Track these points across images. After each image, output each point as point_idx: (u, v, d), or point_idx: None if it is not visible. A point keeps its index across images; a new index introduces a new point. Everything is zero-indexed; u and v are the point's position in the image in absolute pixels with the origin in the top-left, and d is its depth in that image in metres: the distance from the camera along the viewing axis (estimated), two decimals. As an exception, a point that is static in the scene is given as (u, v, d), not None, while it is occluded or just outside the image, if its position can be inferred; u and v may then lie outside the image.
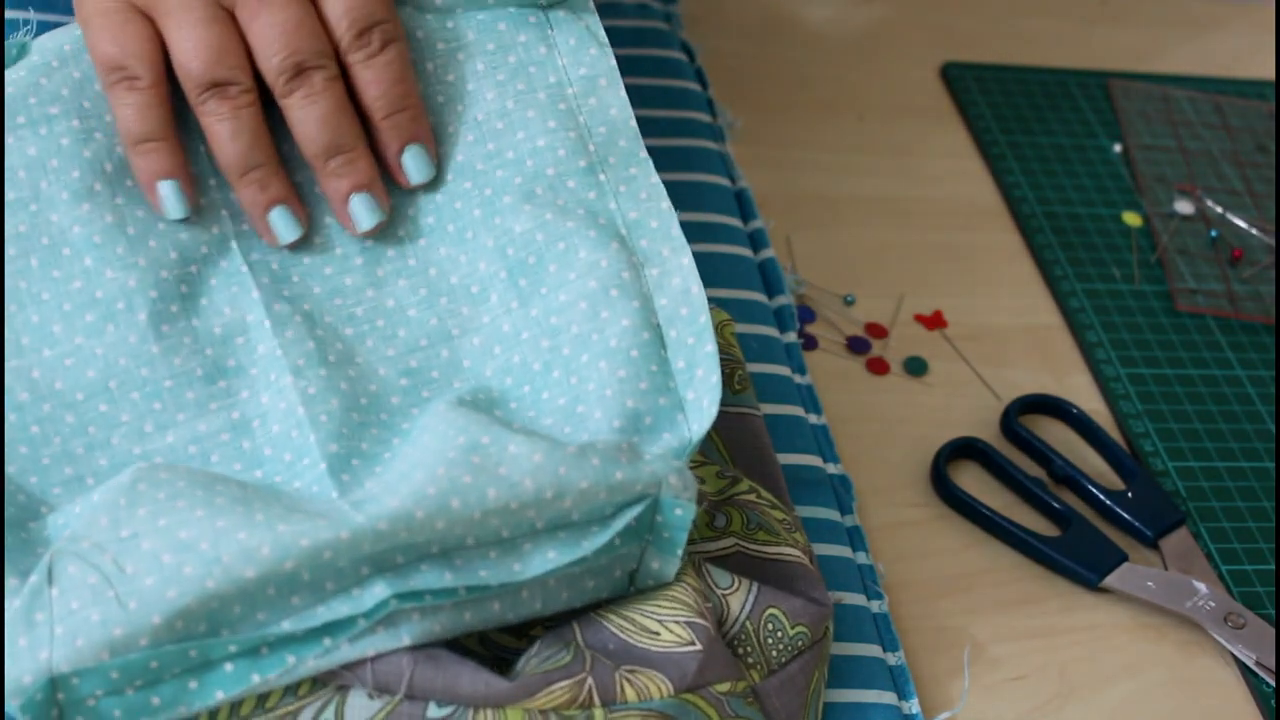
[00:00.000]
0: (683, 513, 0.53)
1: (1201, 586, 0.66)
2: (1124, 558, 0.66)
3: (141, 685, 0.48)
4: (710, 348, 0.56)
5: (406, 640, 0.50)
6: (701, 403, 0.55)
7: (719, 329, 0.68)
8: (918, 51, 0.94)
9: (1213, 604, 0.66)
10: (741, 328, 0.70)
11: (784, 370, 0.70)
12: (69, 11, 0.77)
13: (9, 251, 0.56)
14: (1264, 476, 0.73)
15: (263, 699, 0.49)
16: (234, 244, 0.58)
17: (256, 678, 0.49)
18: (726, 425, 0.65)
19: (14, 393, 0.54)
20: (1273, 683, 0.64)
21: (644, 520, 0.53)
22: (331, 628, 0.49)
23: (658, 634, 0.53)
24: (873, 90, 0.91)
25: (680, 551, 0.54)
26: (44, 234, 0.56)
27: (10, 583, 0.49)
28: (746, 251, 0.75)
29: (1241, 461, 0.73)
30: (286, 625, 0.49)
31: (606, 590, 0.54)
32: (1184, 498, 0.71)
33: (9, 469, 0.53)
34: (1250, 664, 0.64)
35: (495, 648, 0.56)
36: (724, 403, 0.65)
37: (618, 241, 0.57)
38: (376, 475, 0.53)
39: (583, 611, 0.54)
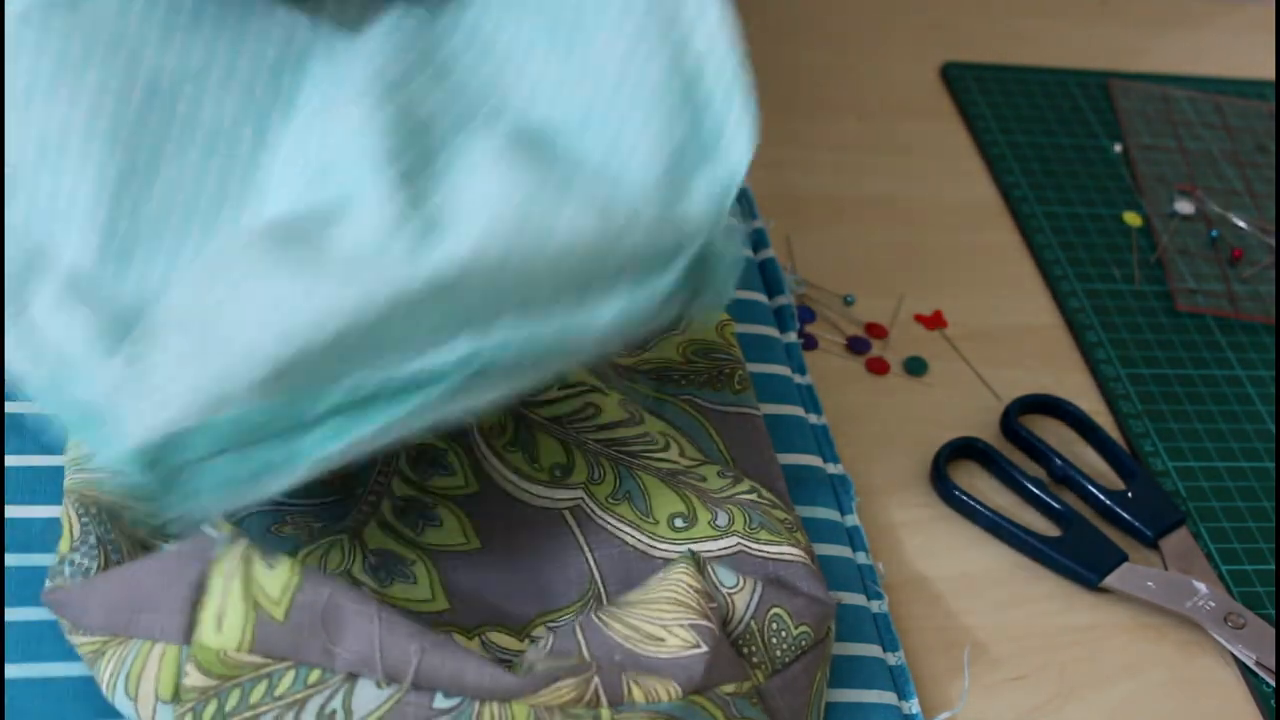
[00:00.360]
0: (731, 262, 0.55)
1: (1201, 586, 0.66)
2: (1124, 558, 0.66)
3: (247, 444, 0.50)
4: (744, 86, 0.57)
5: (490, 396, 0.52)
6: (739, 136, 0.57)
7: (719, 329, 0.68)
8: (918, 51, 0.94)
9: (1213, 604, 0.66)
10: (741, 328, 0.70)
11: (784, 370, 0.70)
12: (69, 11, 0.77)
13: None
14: (1264, 476, 0.73)
15: (272, 686, 0.50)
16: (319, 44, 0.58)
17: (352, 434, 0.50)
18: (726, 425, 0.65)
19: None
20: (1273, 683, 0.64)
21: (697, 264, 0.55)
22: (421, 383, 0.50)
23: (663, 640, 0.53)
24: (873, 90, 0.91)
25: (729, 293, 0.56)
26: (140, 72, 0.56)
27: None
28: (746, 252, 0.75)
29: (1241, 461, 0.73)
30: (375, 377, 0.50)
31: (656, 329, 0.55)
32: (1184, 498, 0.71)
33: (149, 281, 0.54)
34: (1250, 664, 0.64)
35: (496, 650, 0.56)
36: (724, 403, 0.65)
37: None
38: (442, 201, 0.53)
39: (586, 617, 0.54)
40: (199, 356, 0.49)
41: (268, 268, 0.50)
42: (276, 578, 0.50)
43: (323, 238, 0.52)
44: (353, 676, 0.50)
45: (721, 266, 0.55)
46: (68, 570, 0.53)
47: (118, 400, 0.49)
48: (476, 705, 0.50)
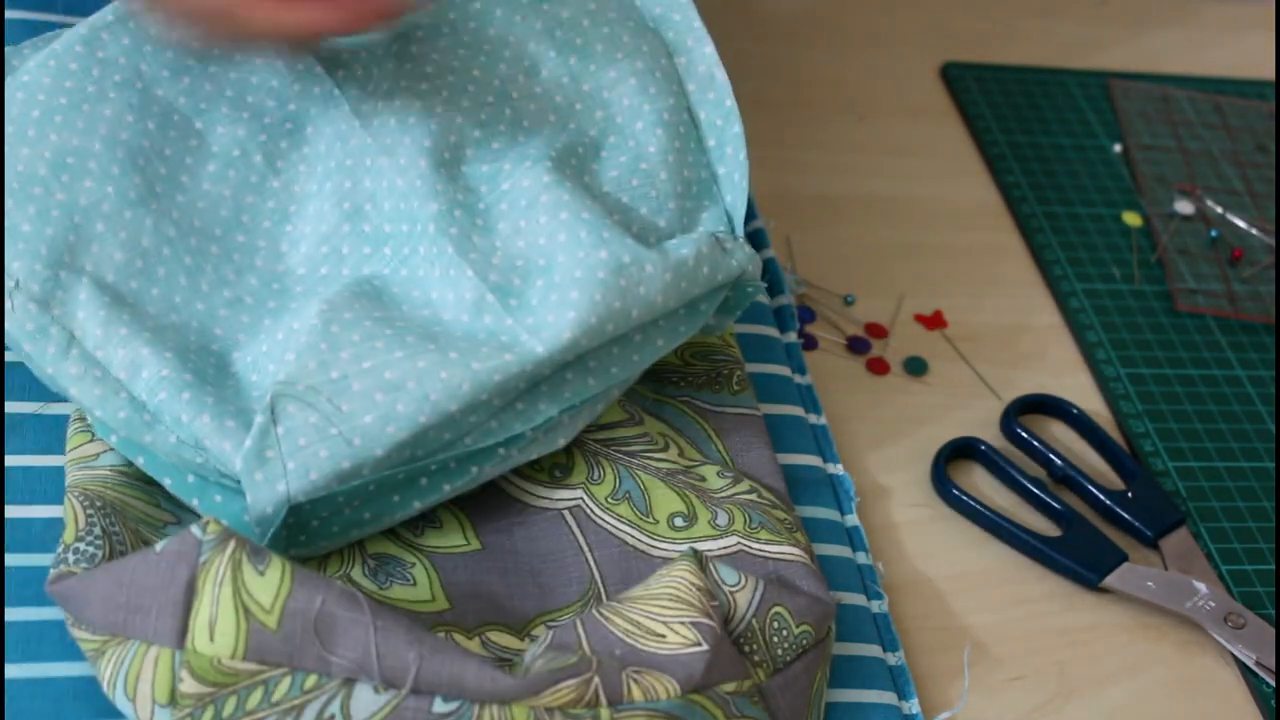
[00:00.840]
0: (753, 291, 0.63)
1: (1201, 586, 0.66)
2: (1124, 558, 0.66)
3: (357, 504, 0.56)
4: (738, 128, 0.64)
5: (561, 443, 0.59)
6: (733, 177, 0.64)
7: None
8: (918, 51, 0.94)
9: (1213, 604, 0.66)
10: (741, 328, 0.70)
11: (784, 370, 0.70)
12: (69, 11, 0.78)
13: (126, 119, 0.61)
14: (1264, 476, 0.73)
15: (269, 692, 0.50)
16: (318, 69, 0.62)
17: (447, 488, 0.57)
18: (725, 426, 0.65)
19: (163, 231, 0.59)
20: (1273, 683, 0.64)
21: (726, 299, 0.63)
22: (506, 441, 0.57)
23: (664, 636, 0.53)
24: (873, 90, 0.91)
25: (736, 316, 0.64)
26: (154, 105, 0.61)
27: (227, 424, 0.55)
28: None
29: (1241, 461, 0.73)
30: (469, 441, 0.56)
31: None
32: (1184, 498, 0.71)
33: (174, 298, 0.59)
34: (1250, 664, 0.64)
35: (496, 649, 0.56)
36: (722, 404, 0.65)
37: (653, 33, 0.65)
38: (510, 260, 0.59)
39: (587, 613, 0.54)
40: (333, 429, 0.54)
41: (389, 346, 0.56)
42: (267, 584, 0.50)
43: (428, 318, 0.58)
44: (350, 681, 0.50)
45: (743, 297, 0.63)
46: (72, 558, 0.53)
47: (251, 468, 0.54)
48: (476, 708, 0.50)
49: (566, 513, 0.60)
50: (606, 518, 0.60)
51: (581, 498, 0.61)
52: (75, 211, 0.58)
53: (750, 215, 0.77)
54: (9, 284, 0.57)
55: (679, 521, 0.60)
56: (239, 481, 0.54)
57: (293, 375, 0.55)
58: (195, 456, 0.55)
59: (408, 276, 0.60)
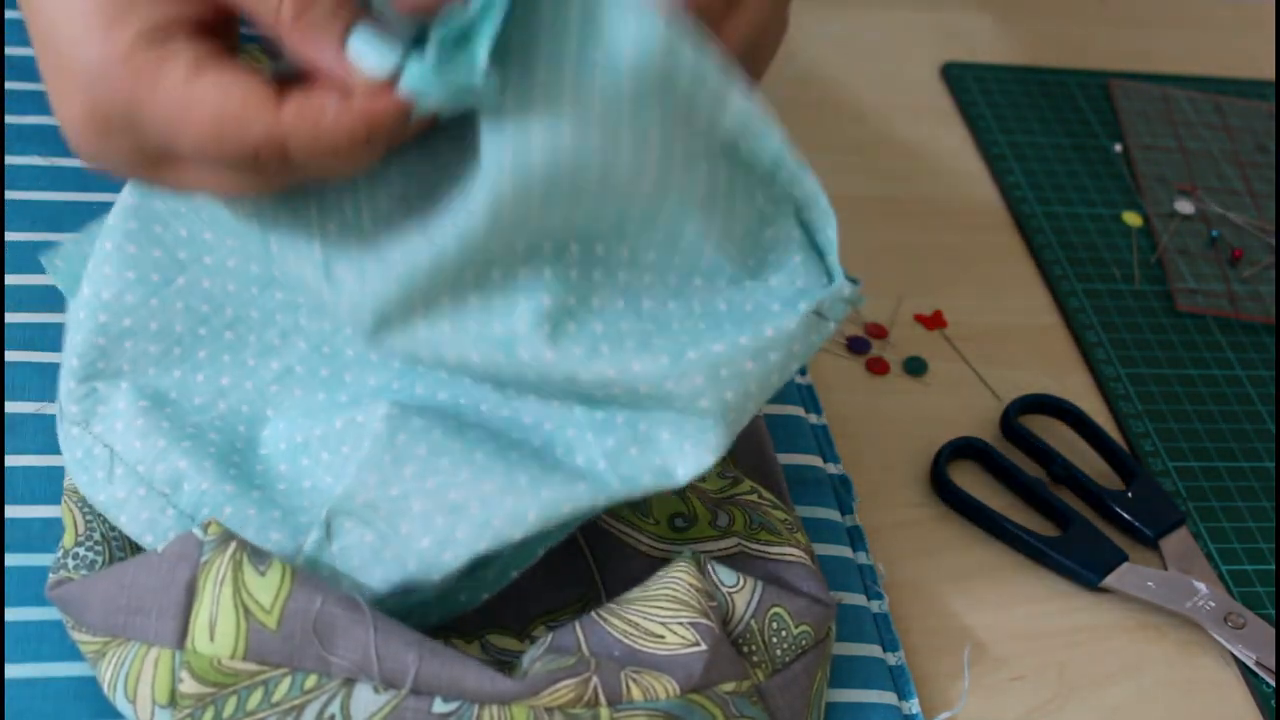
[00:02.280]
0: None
1: (1201, 586, 0.66)
2: (1124, 558, 0.66)
3: (423, 609, 0.54)
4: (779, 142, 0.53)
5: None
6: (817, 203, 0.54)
7: None
8: (918, 51, 0.94)
9: (1213, 604, 0.66)
10: (742, 328, 0.70)
11: (784, 370, 0.70)
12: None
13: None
14: (1264, 476, 0.73)
15: (269, 693, 0.50)
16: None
17: (515, 573, 0.55)
18: (727, 425, 0.64)
19: (195, 309, 0.56)
20: (1273, 683, 0.64)
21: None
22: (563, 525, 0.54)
23: (662, 637, 0.53)
24: (873, 90, 0.91)
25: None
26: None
27: (272, 536, 0.53)
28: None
29: (1241, 461, 0.73)
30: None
31: None
32: (1184, 498, 0.71)
33: (221, 380, 0.56)
34: (1250, 664, 0.64)
35: (495, 651, 0.56)
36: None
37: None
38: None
39: (585, 615, 0.54)
40: (388, 552, 0.52)
41: (455, 465, 0.53)
42: (267, 584, 0.50)
43: (506, 420, 0.55)
44: (350, 681, 0.50)
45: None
46: (71, 564, 0.53)
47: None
48: (476, 708, 0.50)
49: (566, 513, 0.60)
50: (607, 518, 0.60)
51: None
52: (99, 309, 0.56)
53: (750, 215, 0.77)
54: (58, 409, 0.56)
55: (679, 522, 0.60)
56: None
57: (352, 490, 0.53)
58: None
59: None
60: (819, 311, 0.52)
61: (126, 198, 0.57)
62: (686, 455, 0.52)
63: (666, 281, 0.53)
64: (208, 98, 0.46)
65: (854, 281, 0.53)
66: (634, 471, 0.53)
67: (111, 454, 0.55)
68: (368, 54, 0.46)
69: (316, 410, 0.57)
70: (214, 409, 0.57)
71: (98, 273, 0.56)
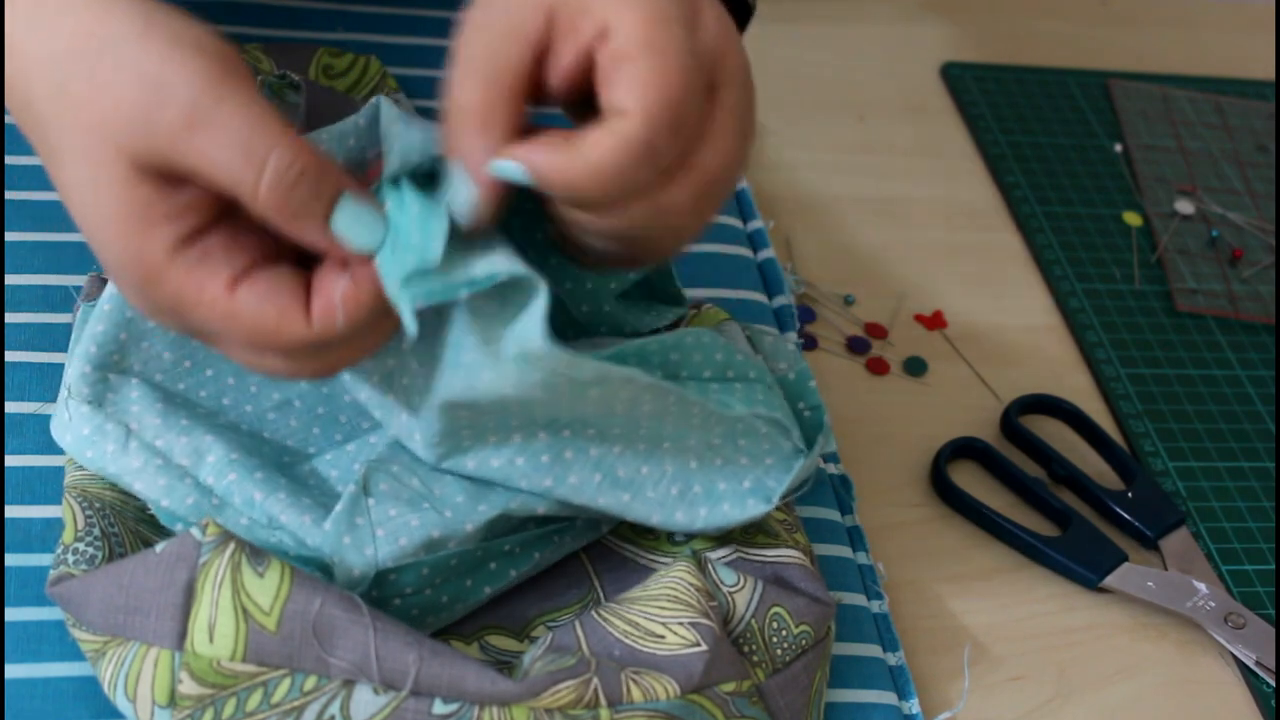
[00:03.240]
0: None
1: (1201, 586, 0.66)
2: (1124, 558, 0.66)
3: (438, 583, 0.55)
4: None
5: (605, 530, 0.59)
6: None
7: (718, 327, 0.68)
8: (918, 51, 0.94)
9: (1213, 604, 0.66)
10: (742, 328, 0.70)
11: (784, 370, 0.70)
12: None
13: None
14: (1264, 476, 0.73)
15: (268, 694, 0.50)
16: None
17: (514, 573, 0.57)
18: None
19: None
20: (1273, 683, 0.64)
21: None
22: (560, 529, 0.57)
23: (663, 637, 0.53)
24: (873, 90, 0.91)
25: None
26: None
27: (304, 500, 0.54)
28: (746, 251, 0.75)
29: (1241, 461, 0.73)
30: (534, 527, 0.57)
31: None
32: (1184, 498, 0.71)
33: (223, 400, 0.58)
34: (1250, 664, 0.64)
35: (495, 652, 0.56)
36: (724, 403, 0.65)
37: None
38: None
39: (586, 615, 0.54)
40: (425, 503, 0.54)
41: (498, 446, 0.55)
42: (266, 586, 0.50)
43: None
44: (350, 682, 0.50)
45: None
46: (71, 559, 0.53)
47: (340, 532, 0.53)
48: (476, 709, 0.50)
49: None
50: (607, 534, 0.60)
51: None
52: (127, 304, 0.56)
53: (750, 215, 0.77)
54: (63, 393, 0.57)
55: (678, 536, 0.60)
56: (317, 556, 0.54)
57: (386, 456, 0.55)
58: (269, 536, 0.54)
59: None
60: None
61: None
62: None
63: (635, 448, 0.56)
64: (246, 311, 0.49)
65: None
66: None
67: (127, 430, 0.56)
68: (354, 231, 0.48)
69: (311, 446, 0.58)
70: (215, 420, 0.57)
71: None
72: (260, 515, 0.54)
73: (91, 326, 0.57)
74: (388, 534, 0.53)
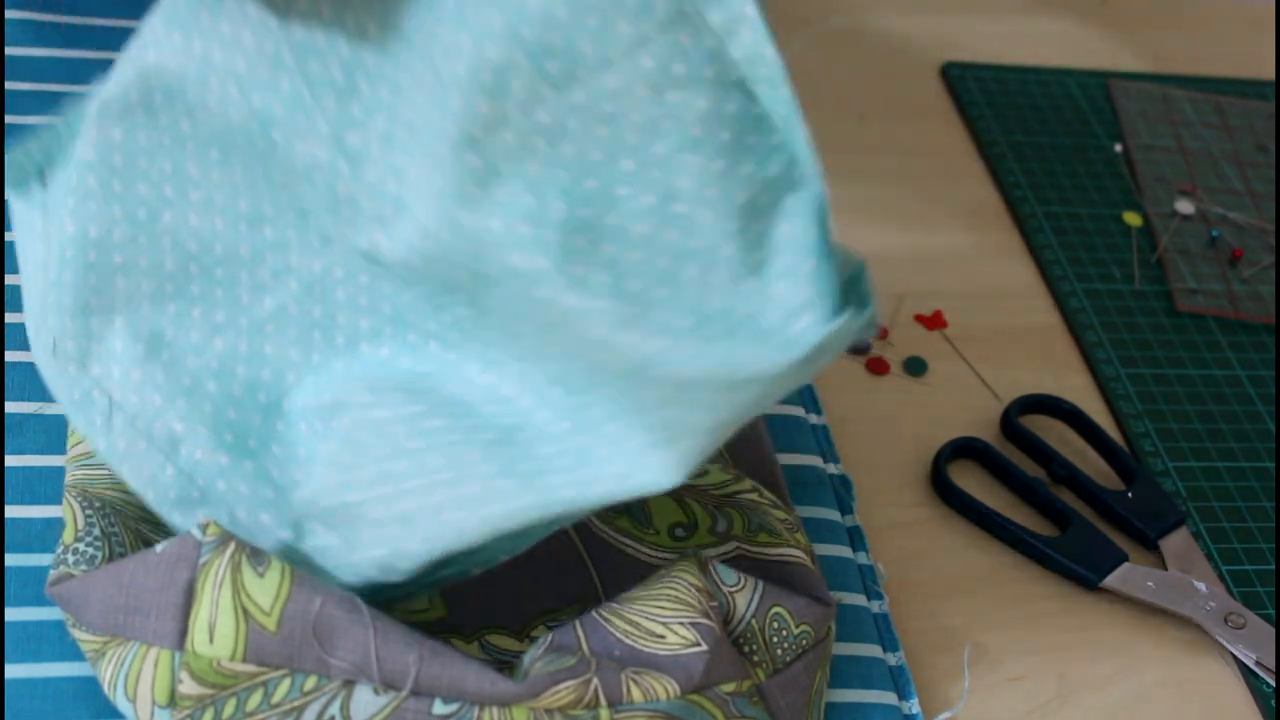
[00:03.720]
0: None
1: (1201, 586, 0.66)
2: (1124, 558, 0.66)
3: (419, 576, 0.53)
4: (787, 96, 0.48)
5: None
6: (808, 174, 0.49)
7: None
8: (918, 51, 0.94)
9: (1213, 604, 0.66)
10: (742, 328, 0.70)
11: (784, 370, 0.70)
12: (71, 11, 0.78)
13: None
14: (1264, 476, 0.73)
15: (268, 694, 0.50)
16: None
17: (503, 557, 0.53)
18: (727, 425, 0.65)
19: (184, 248, 0.55)
20: (1273, 683, 0.64)
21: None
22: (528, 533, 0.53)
23: (663, 637, 0.53)
24: (873, 90, 0.91)
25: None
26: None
27: (263, 518, 0.54)
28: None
29: (1241, 461, 0.73)
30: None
31: None
32: (1184, 498, 0.71)
33: (216, 316, 0.55)
34: (1250, 664, 0.64)
35: (495, 651, 0.56)
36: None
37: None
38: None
39: (586, 615, 0.54)
40: (352, 556, 0.53)
41: (409, 471, 0.52)
42: (266, 586, 0.50)
43: (470, 404, 0.53)
44: (350, 682, 0.50)
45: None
46: (71, 559, 0.53)
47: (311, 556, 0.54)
48: (476, 710, 0.50)
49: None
50: (607, 529, 0.60)
51: (582, 510, 0.61)
52: (88, 247, 0.55)
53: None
54: (44, 351, 0.55)
55: (679, 532, 0.60)
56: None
57: (316, 493, 0.54)
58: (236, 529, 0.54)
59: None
60: (820, 346, 0.46)
61: (110, 132, 0.55)
62: (646, 468, 0.49)
63: (655, 264, 0.48)
64: None
65: (862, 306, 0.47)
66: (587, 479, 0.50)
67: (110, 402, 0.55)
68: None
69: (316, 371, 0.56)
70: (211, 347, 0.56)
71: (83, 209, 0.55)
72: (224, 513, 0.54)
73: (55, 275, 0.55)
74: (324, 580, 0.52)
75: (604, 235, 0.48)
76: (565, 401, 0.51)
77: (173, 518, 0.55)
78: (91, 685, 0.53)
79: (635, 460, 0.49)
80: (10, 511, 0.58)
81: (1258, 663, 0.64)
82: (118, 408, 0.55)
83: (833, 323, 0.46)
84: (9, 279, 0.65)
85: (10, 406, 0.61)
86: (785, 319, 0.47)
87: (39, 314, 0.55)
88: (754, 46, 0.46)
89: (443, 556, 0.52)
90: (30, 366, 0.62)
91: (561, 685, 0.50)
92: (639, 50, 0.46)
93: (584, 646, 0.53)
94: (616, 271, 0.48)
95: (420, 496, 0.52)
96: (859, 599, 0.62)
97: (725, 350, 0.46)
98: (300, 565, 0.53)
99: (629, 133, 0.47)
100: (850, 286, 0.48)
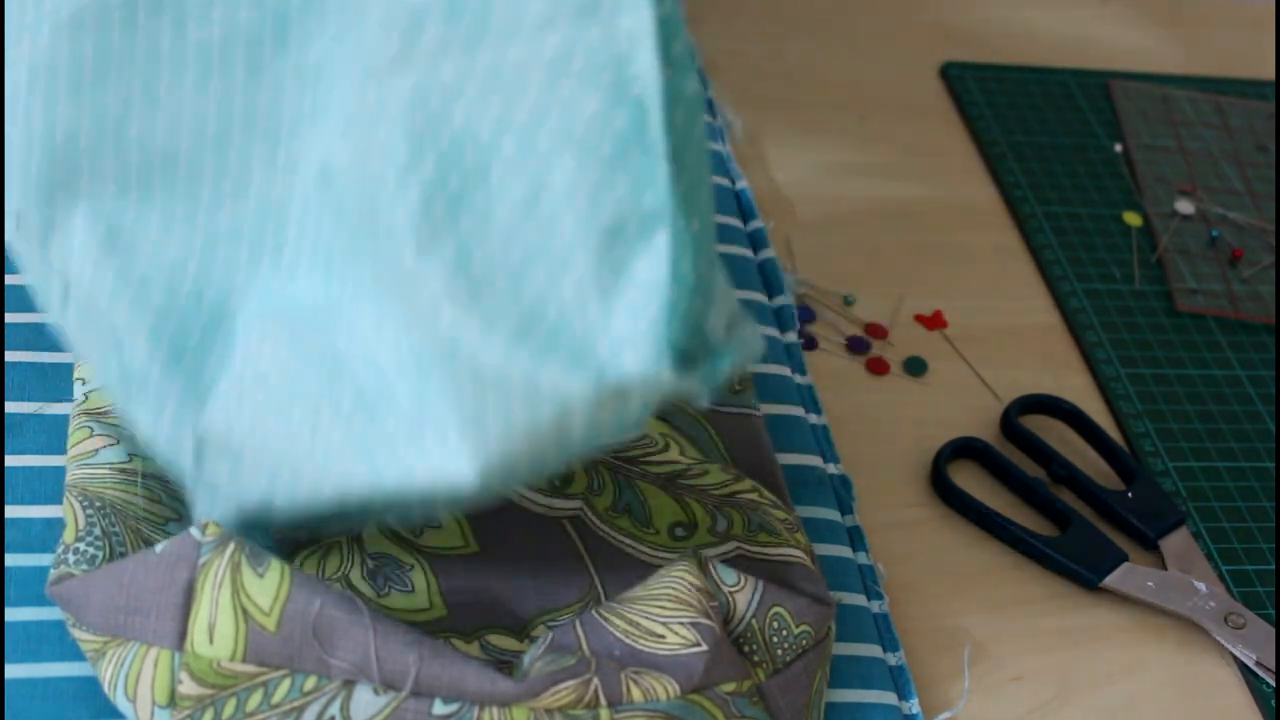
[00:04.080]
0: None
1: (1201, 586, 0.66)
2: (1124, 558, 0.66)
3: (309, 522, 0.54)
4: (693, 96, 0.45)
5: None
6: (697, 198, 0.45)
7: None
8: (918, 51, 0.94)
9: (1213, 604, 0.66)
10: (742, 328, 0.70)
11: (784, 370, 0.70)
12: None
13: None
14: (1264, 476, 0.73)
15: (268, 694, 0.50)
16: None
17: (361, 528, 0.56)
18: (726, 425, 0.65)
19: (149, 147, 0.54)
20: (1273, 683, 0.64)
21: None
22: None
23: (663, 637, 0.53)
24: (873, 90, 0.91)
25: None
26: None
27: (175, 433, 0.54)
28: (746, 251, 0.75)
29: (1241, 461, 0.73)
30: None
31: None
32: (1184, 498, 0.71)
33: (174, 226, 0.55)
34: (1250, 664, 0.64)
35: (495, 651, 0.56)
36: (723, 403, 0.65)
37: None
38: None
39: (586, 614, 0.54)
40: (232, 492, 0.53)
41: (284, 412, 0.51)
42: (266, 586, 0.50)
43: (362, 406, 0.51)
44: (350, 682, 0.50)
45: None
46: (71, 559, 0.53)
47: (192, 494, 0.54)
48: (476, 710, 0.50)
49: (566, 522, 0.60)
50: (607, 529, 0.60)
51: (581, 508, 0.61)
52: (55, 142, 0.54)
53: (750, 215, 0.77)
54: (10, 224, 0.55)
55: (679, 532, 0.60)
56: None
57: (213, 420, 0.53)
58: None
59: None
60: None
61: (82, 45, 0.54)
62: (456, 457, 0.47)
63: (507, 255, 0.46)
64: None
65: (714, 364, 0.45)
66: (411, 463, 0.48)
67: (66, 287, 0.55)
68: None
69: (256, 297, 0.54)
70: (164, 254, 0.55)
71: (50, 112, 0.54)
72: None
73: (21, 157, 0.54)
74: (219, 513, 0.53)
75: (465, 209, 0.47)
76: (415, 374, 0.48)
77: (124, 408, 0.55)
78: (91, 685, 0.53)
79: (450, 450, 0.47)
80: (10, 511, 0.58)
81: (1258, 663, 0.64)
82: (72, 296, 0.55)
83: (651, 370, 0.44)
84: (9, 279, 0.65)
85: (10, 406, 0.61)
86: (613, 352, 0.45)
87: (9, 186, 0.55)
88: (648, 70, 0.45)
89: (320, 511, 0.52)
90: (30, 366, 0.62)
91: (561, 685, 0.50)
92: (546, 29, 0.45)
93: (584, 646, 0.53)
94: (465, 249, 0.46)
95: (283, 450, 0.51)
96: (859, 599, 0.62)
97: (533, 358, 0.45)
98: (198, 495, 0.54)
99: (520, 112, 0.45)
100: (710, 345, 0.46)
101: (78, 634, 0.52)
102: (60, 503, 0.57)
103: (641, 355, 0.44)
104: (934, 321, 0.77)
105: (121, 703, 0.51)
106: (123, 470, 0.57)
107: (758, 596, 0.56)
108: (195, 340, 0.55)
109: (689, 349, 0.45)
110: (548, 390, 0.45)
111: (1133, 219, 0.85)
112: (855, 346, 0.75)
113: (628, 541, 0.60)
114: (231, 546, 0.51)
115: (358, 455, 0.50)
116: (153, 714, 0.50)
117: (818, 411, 0.70)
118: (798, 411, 0.69)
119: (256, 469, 0.53)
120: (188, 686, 0.49)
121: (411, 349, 0.48)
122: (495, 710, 0.50)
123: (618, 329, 0.45)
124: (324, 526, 0.56)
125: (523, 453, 0.46)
